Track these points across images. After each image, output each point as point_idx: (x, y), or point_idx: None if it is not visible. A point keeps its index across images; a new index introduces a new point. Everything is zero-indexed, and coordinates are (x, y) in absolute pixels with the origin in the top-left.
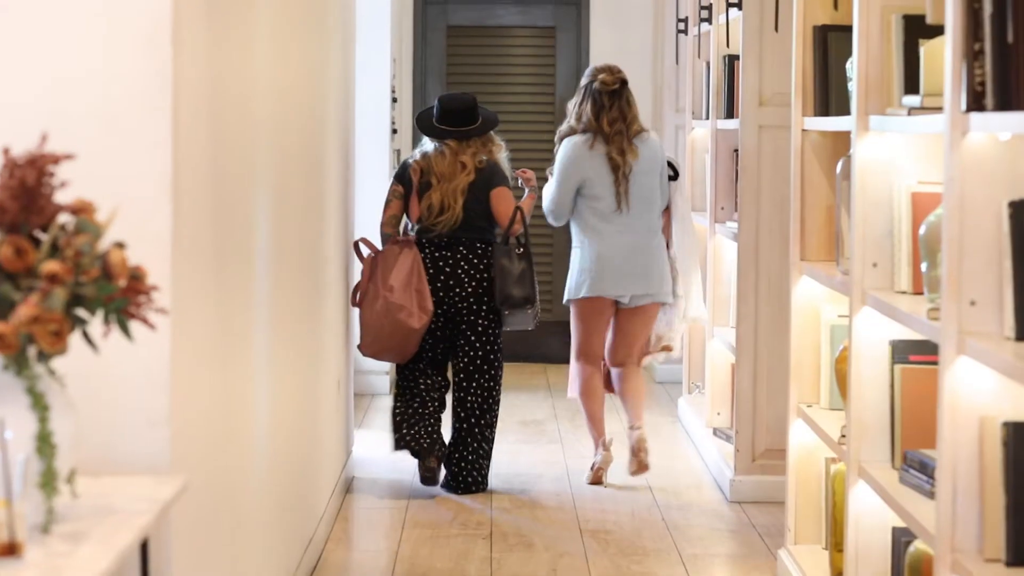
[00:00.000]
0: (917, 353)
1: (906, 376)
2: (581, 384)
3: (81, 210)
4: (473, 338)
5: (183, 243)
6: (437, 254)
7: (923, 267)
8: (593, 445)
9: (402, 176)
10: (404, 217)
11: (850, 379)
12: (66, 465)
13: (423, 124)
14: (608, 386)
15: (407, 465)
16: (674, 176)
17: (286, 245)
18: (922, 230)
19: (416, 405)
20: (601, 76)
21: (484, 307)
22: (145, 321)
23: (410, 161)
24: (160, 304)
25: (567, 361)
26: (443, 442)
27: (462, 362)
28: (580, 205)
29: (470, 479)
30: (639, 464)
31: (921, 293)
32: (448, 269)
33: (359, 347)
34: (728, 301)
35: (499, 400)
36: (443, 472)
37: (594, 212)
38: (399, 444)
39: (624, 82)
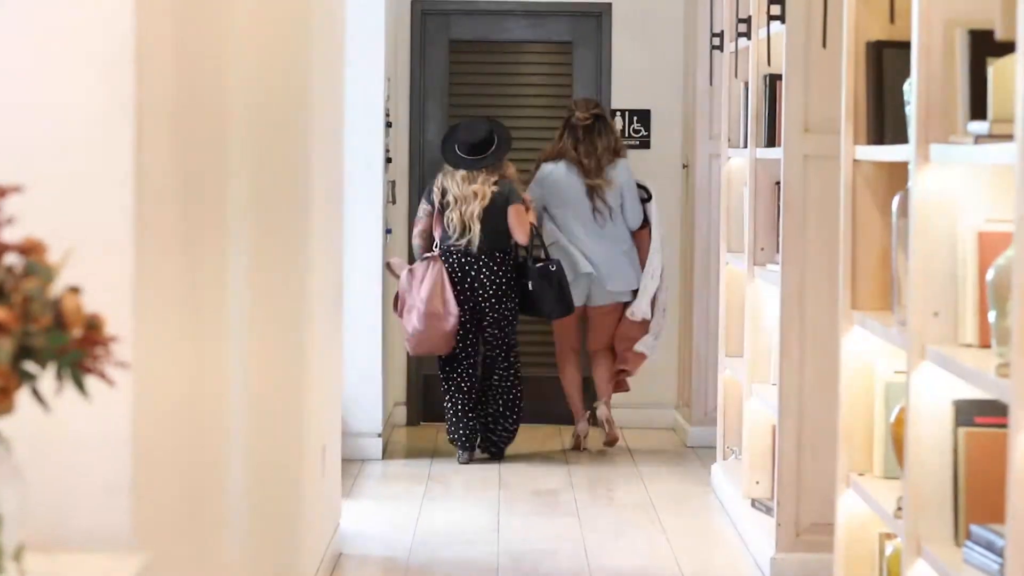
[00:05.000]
0: (984, 414)
1: (971, 440)
2: (560, 369)
3: (31, 250)
4: (496, 331)
5: (147, 288)
6: (463, 260)
7: (991, 316)
8: (574, 420)
9: (429, 196)
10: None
11: (907, 444)
12: (13, 540)
13: (445, 148)
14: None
15: (401, 539)
16: (647, 198)
17: (265, 291)
18: (990, 274)
19: (456, 402)
20: (577, 113)
21: (502, 305)
22: (103, 376)
23: (434, 184)
24: (121, 356)
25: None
26: (476, 433)
27: (490, 350)
28: (549, 225)
29: (502, 446)
30: (609, 435)
31: (989, 346)
32: (473, 273)
33: (408, 350)
34: (769, 354)
35: (521, 378)
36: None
37: (563, 231)
38: (451, 440)
39: (598, 116)
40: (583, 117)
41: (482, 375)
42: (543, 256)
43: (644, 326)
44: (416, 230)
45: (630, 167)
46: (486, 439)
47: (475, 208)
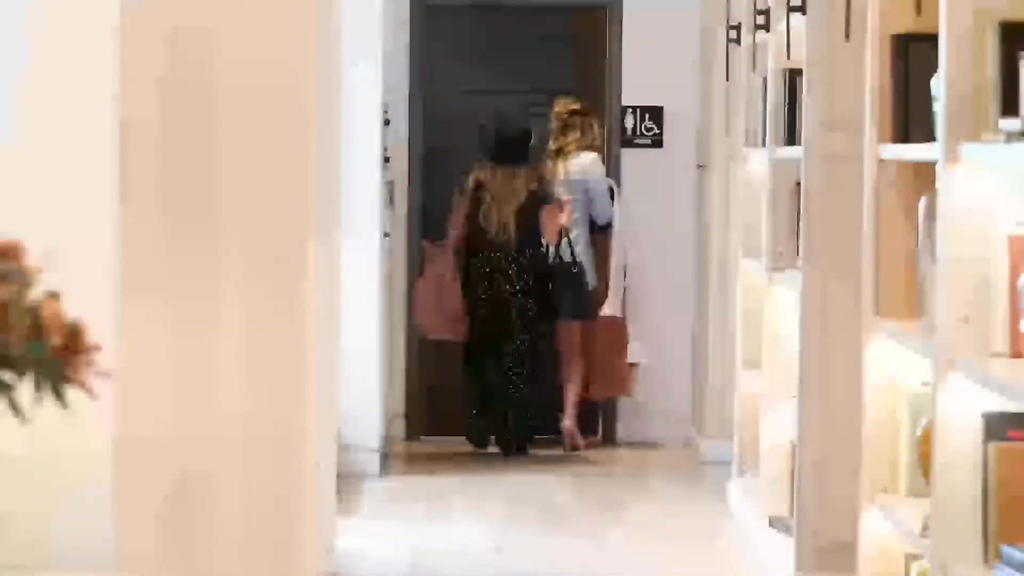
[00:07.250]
0: (1016, 428)
1: (1002, 456)
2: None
3: (7, 253)
4: (521, 324)
5: (131, 293)
6: (494, 256)
7: (1023, 325)
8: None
9: (462, 186)
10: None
11: (934, 459)
12: None
13: (485, 143)
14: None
15: (400, 560)
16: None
17: (256, 297)
18: (1022, 280)
19: (474, 397)
20: (556, 108)
21: (528, 301)
22: (84, 387)
23: (468, 175)
24: (103, 366)
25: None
26: (490, 433)
27: (516, 343)
28: None
29: (512, 441)
30: (570, 445)
31: (1021, 356)
32: (502, 266)
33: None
34: (788, 366)
35: (540, 378)
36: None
37: None
38: (470, 439)
39: (575, 111)
40: (559, 112)
41: (504, 369)
42: (570, 258)
43: (619, 328)
44: (452, 221)
45: (599, 161)
46: (502, 434)
47: (512, 206)
